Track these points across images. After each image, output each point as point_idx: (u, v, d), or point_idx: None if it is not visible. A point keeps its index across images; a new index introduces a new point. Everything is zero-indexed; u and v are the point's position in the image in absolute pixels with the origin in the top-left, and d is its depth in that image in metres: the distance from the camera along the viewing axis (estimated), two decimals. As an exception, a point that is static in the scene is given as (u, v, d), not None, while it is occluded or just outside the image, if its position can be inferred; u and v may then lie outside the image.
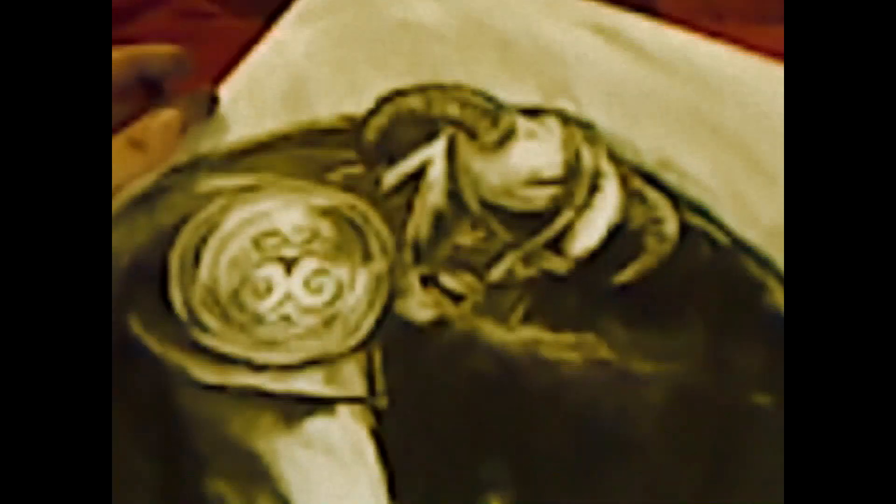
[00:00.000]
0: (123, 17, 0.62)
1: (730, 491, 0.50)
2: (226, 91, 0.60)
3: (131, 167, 0.57)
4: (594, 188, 0.56)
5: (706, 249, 0.55)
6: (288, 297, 0.55)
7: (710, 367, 0.52)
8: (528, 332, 0.54)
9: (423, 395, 0.52)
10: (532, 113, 0.59)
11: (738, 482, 0.50)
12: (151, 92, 0.60)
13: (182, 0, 0.69)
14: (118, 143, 0.57)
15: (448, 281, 0.55)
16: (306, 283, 0.55)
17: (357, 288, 0.55)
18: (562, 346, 0.53)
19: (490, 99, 0.59)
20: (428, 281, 0.55)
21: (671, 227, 0.56)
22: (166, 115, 0.58)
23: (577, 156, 0.57)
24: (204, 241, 0.56)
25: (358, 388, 0.53)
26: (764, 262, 0.55)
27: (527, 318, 0.54)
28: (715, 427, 0.51)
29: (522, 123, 0.58)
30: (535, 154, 0.57)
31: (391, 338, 0.54)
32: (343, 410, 0.52)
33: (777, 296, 0.54)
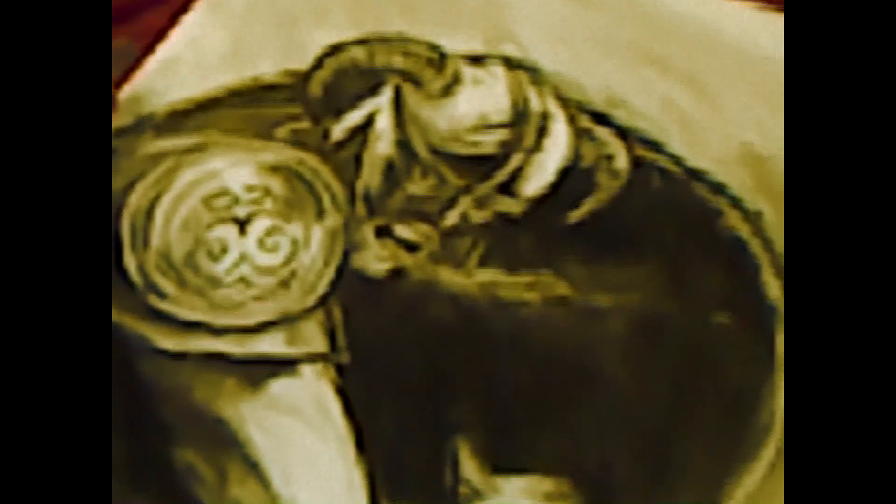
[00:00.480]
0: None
1: (694, 410, 0.50)
2: (166, 51, 0.60)
3: None
4: (543, 130, 0.56)
5: (658, 180, 0.55)
6: (243, 257, 0.54)
7: (669, 294, 0.53)
8: (486, 276, 0.53)
9: (384, 346, 0.52)
10: (476, 60, 0.58)
11: (702, 401, 0.51)
12: None
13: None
14: None
15: (402, 231, 0.55)
16: (261, 243, 0.54)
17: (312, 245, 0.54)
18: (520, 287, 0.53)
19: (433, 48, 0.59)
20: (382, 233, 0.55)
21: (622, 162, 0.56)
22: None
23: (525, 99, 0.57)
24: (154, 204, 0.55)
25: (320, 345, 0.52)
26: (717, 188, 0.55)
27: (483, 262, 0.54)
28: (677, 350, 0.52)
29: (467, 70, 0.58)
30: (482, 100, 0.57)
31: (349, 293, 0.53)
32: (306, 370, 0.52)
33: (732, 219, 0.54)
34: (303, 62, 0.59)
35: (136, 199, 0.56)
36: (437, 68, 0.58)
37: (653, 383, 0.51)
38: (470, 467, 0.50)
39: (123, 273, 0.54)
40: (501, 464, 0.50)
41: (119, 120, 0.58)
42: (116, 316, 0.53)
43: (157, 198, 0.56)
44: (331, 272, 0.54)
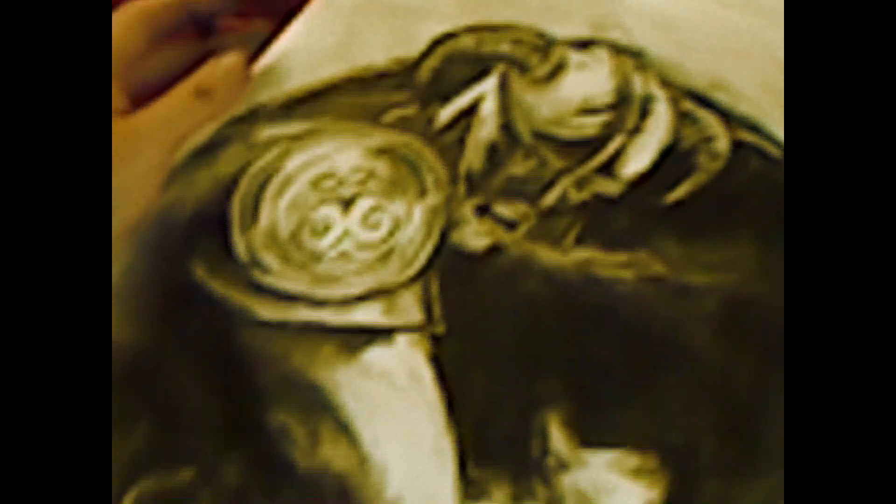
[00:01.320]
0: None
1: (782, 388, 0.49)
2: (282, 44, 0.62)
3: (197, 116, 0.56)
4: (645, 112, 0.56)
5: (757, 163, 0.55)
6: (346, 234, 0.56)
7: (763, 275, 0.52)
8: (582, 254, 0.54)
9: (479, 319, 0.53)
10: (582, 45, 0.59)
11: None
12: (202, 32, 0.61)
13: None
14: (183, 91, 0.56)
15: (502, 209, 0.55)
16: (363, 220, 0.56)
17: (413, 221, 0.55)
18: (615, 265, 0.53)
19: (540, 35, 0.59)
20: (482, 210, 0.55)
21: (722, 144, 0.55)
22: (230, 60, 0.58)
23: (628, 82, 0.57)
24: (264, 186, 0.57)
25: (415, 316, 0.53)
26: None
27: (580, 241, 0.54)
28: (769, 331, 0.51)
29: (573, 56, 0.58)
30: (586, 84, 0.57)
31: (447, 267, 0.54)
32: (401, 339, 0.53)
33: None
34: (412, 52, 0.60)
35: (246, 182, 0.57)
36: (543, 54, 0.59)
37: (743, 363, 0.50)
38: (559, 439, 0.50)
39: (231, 252, 0.56)
40: (589, 437, 0.50)
41: (235, 108, 0.60)
42: (223, 291, 0.55)
43: (267, 181, 0.57)
44: (430, 247, 0.55)
